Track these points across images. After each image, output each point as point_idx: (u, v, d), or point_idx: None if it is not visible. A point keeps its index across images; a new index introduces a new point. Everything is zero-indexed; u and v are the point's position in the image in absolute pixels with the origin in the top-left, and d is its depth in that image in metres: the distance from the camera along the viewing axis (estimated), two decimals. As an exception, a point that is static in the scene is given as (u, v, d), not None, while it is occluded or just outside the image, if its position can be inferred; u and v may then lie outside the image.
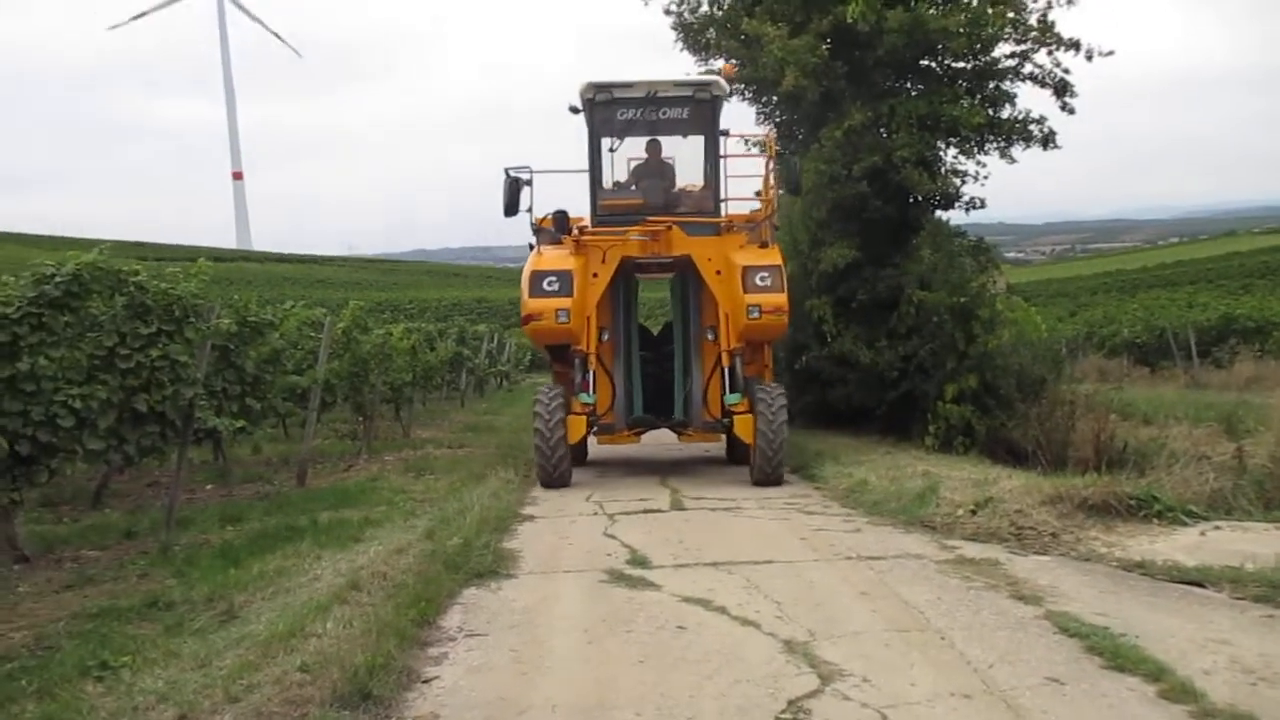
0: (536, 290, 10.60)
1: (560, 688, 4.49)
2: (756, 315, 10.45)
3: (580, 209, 11.29)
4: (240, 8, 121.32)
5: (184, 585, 6.39)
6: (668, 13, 15.64)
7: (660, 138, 11.68)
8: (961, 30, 13.17)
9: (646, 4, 15.66)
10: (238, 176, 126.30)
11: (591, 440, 11.70)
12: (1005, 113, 14.36)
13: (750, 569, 6.55)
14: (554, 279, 10.57)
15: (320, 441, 13.63)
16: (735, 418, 10.53)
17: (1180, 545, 6.72)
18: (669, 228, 10.85)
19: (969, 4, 13.71)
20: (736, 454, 11.68)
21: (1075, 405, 11.99)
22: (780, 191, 11.58)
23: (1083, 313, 44.29)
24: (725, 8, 15.45)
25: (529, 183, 10.98)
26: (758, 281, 10.49)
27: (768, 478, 10.28)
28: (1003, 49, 14.09)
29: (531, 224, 11.29)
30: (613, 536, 7.80)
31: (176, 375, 7.62)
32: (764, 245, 11.02)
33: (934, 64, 14.46)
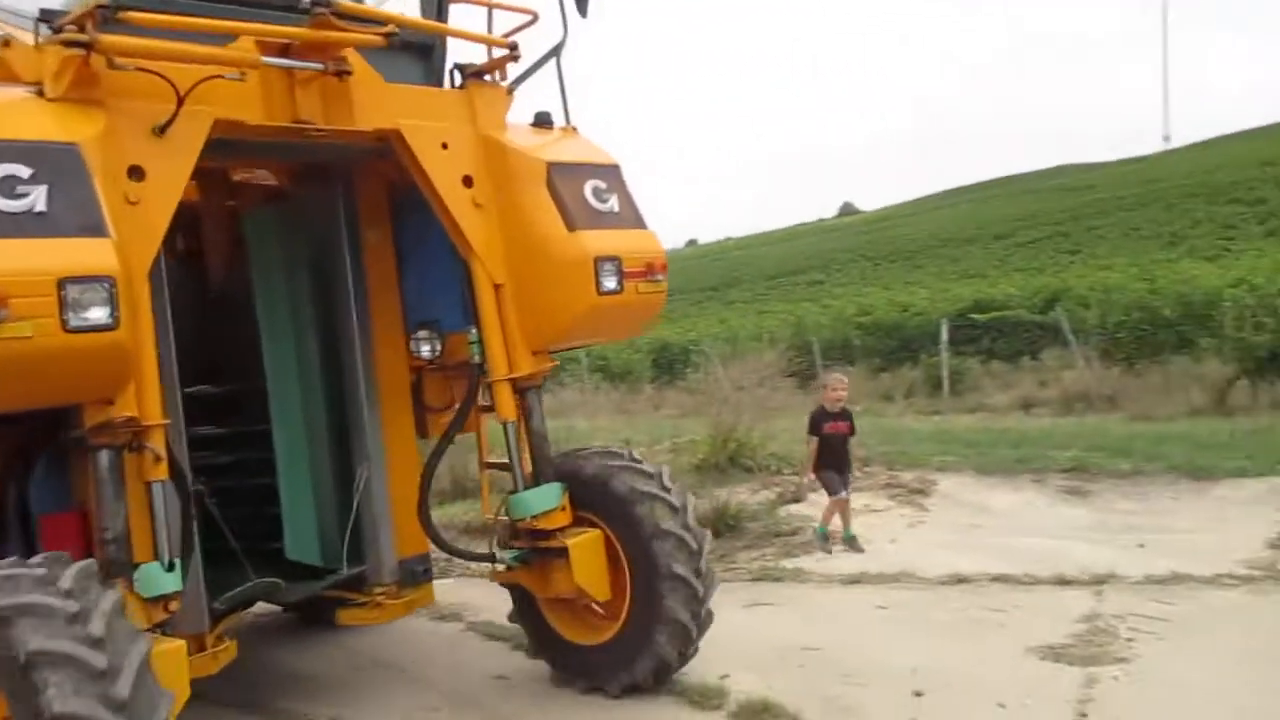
0: None
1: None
2: (614, 286, 4.64)
3: None
4: None
5: None
6: None
7: None
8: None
9: None
10: None
11: None
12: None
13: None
14: (23, 174, 3.27)
15: None
16: (570, 544, 4.62)
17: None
18: (342, 56, 4.16)
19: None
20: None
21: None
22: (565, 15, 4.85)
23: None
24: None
25: None
26: (593, 202, 4.73)
27: (677, 663, 4.71)
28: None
29: None
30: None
31: None
32: (542, 124, 5.05)
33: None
